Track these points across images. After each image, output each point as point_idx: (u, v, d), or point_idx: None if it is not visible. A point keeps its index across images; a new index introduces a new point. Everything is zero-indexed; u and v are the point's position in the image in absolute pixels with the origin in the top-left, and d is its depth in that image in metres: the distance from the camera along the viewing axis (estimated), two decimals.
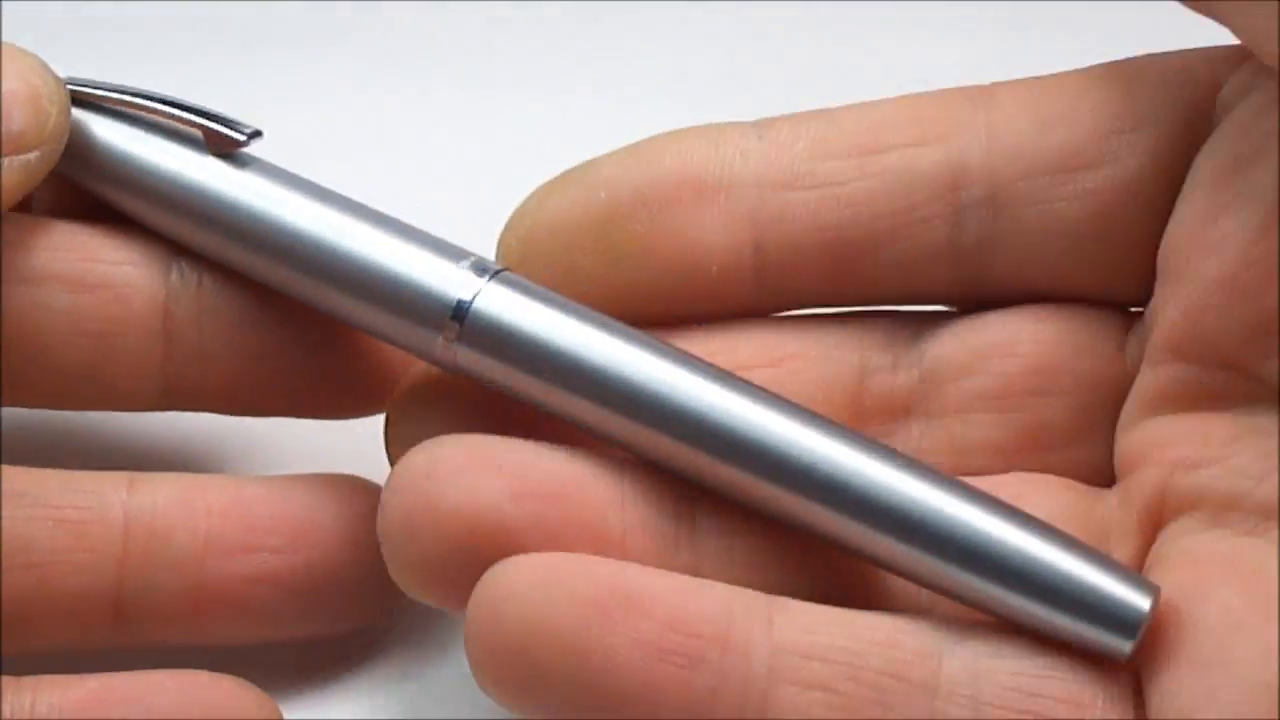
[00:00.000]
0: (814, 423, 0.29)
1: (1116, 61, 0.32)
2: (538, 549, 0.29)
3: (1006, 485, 0.31)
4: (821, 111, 0.33)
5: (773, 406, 0.30)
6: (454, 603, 0.29)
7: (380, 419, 0.33)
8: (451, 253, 0.31)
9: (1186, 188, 0.31)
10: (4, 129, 0.31)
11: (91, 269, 0.32)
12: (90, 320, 0.32)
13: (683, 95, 0.45)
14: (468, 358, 0.31)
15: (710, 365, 0.30)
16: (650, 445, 0.30)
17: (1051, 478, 0.32)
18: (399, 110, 0.45)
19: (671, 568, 0.29)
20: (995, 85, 0.33)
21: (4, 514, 0.31)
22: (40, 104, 0.31)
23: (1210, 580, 0.28)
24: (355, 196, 0.33)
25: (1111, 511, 0.31)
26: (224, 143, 0.32)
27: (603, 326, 0.30)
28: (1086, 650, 0.28)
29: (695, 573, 0.29)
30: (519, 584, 0.28)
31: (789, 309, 0.33)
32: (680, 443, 0.29)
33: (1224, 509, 0.29)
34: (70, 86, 0.32)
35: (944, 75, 0.33)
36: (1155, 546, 0.30)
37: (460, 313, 0.30)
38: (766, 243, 0.32)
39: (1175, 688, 0.28)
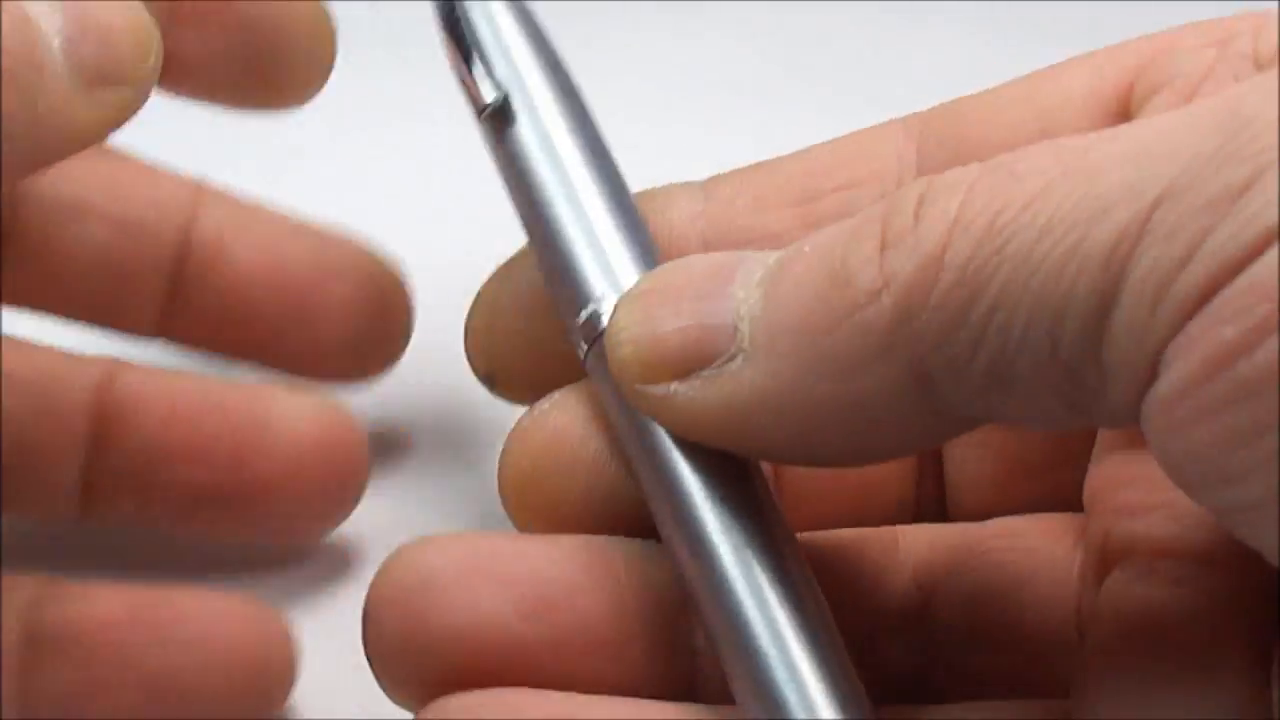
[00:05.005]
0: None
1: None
2: (541, 665, 0.28)
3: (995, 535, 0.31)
4: (765, 164, 0.33)
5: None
6: None
7: None
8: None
9: None
10: (110, 55, 0.29)
11: (125, 209, 0.36)
12: (112, 260, 0.36)
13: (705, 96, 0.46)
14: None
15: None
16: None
17: (1036, 523, 0.31)
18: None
19: (669, 672, 0.29)
20: (931, 110, 0.32)
21: None
22: (143, 42, 0.29)
23: (1126, 649, 0.28)
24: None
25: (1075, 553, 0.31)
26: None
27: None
28: None
29: (692, 677, 0.29)
30: None
31: None
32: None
33: (1158, 556, 0.28)
34: None
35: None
36: (1098, 597, 0.29)
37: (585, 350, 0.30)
38: None
39: None
